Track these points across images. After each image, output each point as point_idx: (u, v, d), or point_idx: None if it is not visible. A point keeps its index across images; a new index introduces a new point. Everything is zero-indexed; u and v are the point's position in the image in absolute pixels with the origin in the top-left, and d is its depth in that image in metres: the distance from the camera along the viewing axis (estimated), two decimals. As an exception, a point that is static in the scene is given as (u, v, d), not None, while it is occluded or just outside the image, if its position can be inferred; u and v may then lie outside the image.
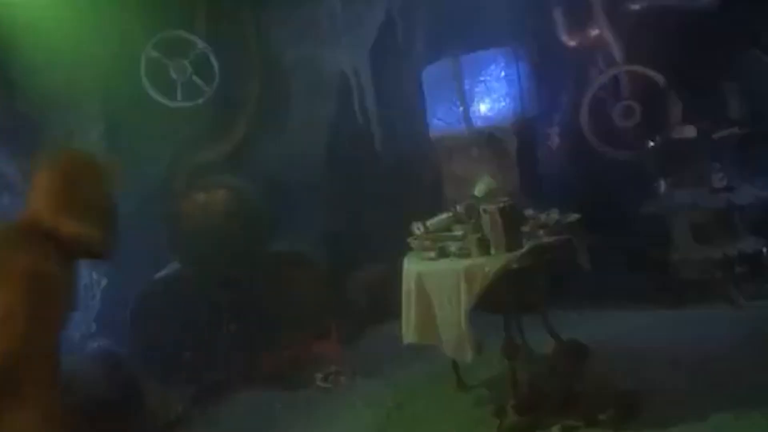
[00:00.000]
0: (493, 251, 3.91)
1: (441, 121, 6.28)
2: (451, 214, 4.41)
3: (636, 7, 6.41)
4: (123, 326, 5.79)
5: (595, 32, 6.61)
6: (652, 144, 5.96)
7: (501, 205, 3.95)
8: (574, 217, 4.29)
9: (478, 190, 4.48)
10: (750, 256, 5.44)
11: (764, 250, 5.47)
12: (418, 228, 4.40)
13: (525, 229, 4.04)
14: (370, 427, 4.33)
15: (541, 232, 4.04)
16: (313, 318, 5.96)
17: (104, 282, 5.90)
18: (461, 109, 6.12)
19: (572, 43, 6.80)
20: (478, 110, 6.12)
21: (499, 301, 4.10)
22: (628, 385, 4.00)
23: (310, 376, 5.27)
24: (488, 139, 6.04)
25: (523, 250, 3.90)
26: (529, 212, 4.29)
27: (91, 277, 5.87)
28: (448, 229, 4.32)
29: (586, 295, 5.80)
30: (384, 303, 6.13)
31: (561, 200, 5.76)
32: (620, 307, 5.60)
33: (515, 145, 6.00)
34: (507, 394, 4.04)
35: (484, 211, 3.97)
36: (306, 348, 5.70)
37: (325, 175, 6.77)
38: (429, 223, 4.41)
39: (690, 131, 5.78)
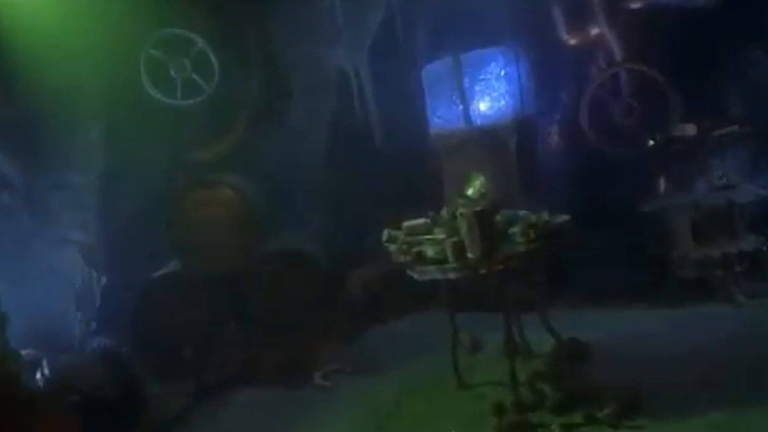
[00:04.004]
0: (469, 255, 3.91)
1: (441, 119, 6.28)
2: (428, 219, 4.40)
3: (636, 5, 6.41)
4: (123, 325, 5.79)
5: (595, 31, 6.61)
6: (652, 142, 5.96)
7: (478, 208, 3.94)
8: (564, 218, 4.28)
9: (470, 190, 4.47)
10: (750, 255, 5.44)
11: (764, 248, 5.47)
12: (389, 235, 4.40)
13: (514, 230, 4.03)
14: (369, 426, 4.32)
15: (532, 232, 4.02)
16: (313, 316, 5.96)
17: (104, 280, 5.91)
18: (461, 107, 6.12)
19: (572, 42, 6.81)
20: (478, 108, 6.12)
21: (492, 299, 4.12)
22: (628, 383, 3.99)
23: (309, 375, 5.27)
24: (488, 137, 6.04)
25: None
26: (522, 213, 4.28)
27: (91, 276, 5.87)
28: (429, 233, 4.31)
29: (585, 293, 5.82)
30: (383, 301, 6.16)
31: (560, 198, 5.78)
32: (620, 305, 5.61)
33: (515, 143, 6.01)
34: (507, 392, 4.04)
35: (461, 214, 3.97)
36: (305, 347, 5.70)
37: (325, 173, 6.77)
38: (405, 225, 4.41)
39: (690, 129, 5.78)
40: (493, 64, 6.07)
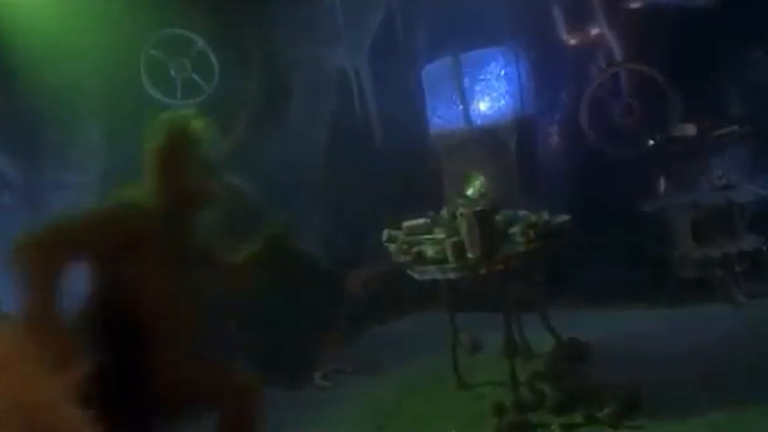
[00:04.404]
0: (469, 255, 3.91)
1: (441, 119, 6.28)
2: (428, 219, 4.41)
3: (636, 5, 6.41)
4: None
5: (595, 31, 6.62)
6: (652, 142, 5.96)
7: (478, 208, 3.95)
8: (564, 218, 4.29)
9: (470, 190, 4.48)
10: (750, 255, 5.44)
11: (764, 248, 5.47)
12: (389, 235, 4.41)
13: (514, 230, 4.03)
14: (369, 426, 4.33)
15: (532, 232, 4.02)
16: (313, 316, 5.95)
17: (104, 281, 5.89)
18: (461, 107, 6.12)
19: (572, 42, 6.81)
20: (478, 108, 6.11)
21: (492, 299, 4.12)
22: (628, 383, 4.00)
23: (309, 375, 5.27)
24: (488, 137, 6.04)
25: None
26: (522, 213, 4.28)
27: (91, 276, 5.86)
28: (429, 233, 4.31)
29: (585, 293, 5.82)
30: (383, 301, 6.15)
31: (560, 199, 5.78)
32: (620, 305, 5.61)
33: (515, 143, 6.01)
34: (507, 392, 4.04)
35: (461, 214, 3.97)
36: (305, 347, 5.69)
37: (325, 173, 6.77)
38: (405, 225, 4.41)
39: (690, 129, 5.78)
40: (493, 64, 6.06)
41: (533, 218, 4.15)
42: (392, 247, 4.39)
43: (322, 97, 6.88)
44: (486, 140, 6.03)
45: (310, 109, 6.76)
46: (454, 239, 3.98)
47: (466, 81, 6.06)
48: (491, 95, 6.08)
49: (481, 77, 6.08)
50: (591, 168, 6.51)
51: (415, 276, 4.24)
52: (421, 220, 4.45)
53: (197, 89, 6.01)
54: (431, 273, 4.13)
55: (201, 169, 2.82)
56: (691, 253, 5.54)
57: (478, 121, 6.09)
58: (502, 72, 6.04)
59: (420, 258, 4.15)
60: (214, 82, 6.03)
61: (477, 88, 6.10)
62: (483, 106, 6.11)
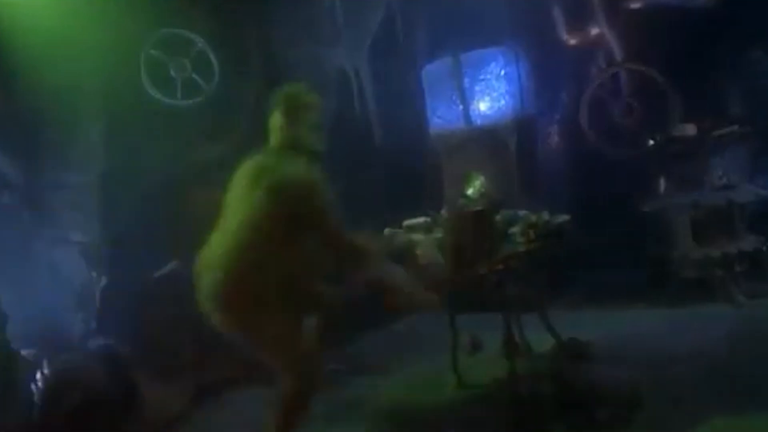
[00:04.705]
0: (468, 255, 3.91)
1: (441, 119, 6.29)
2: (428, 219, 4.41)
3: (636, 5, 6.41)
4: (123, 325, 5.78)
5: (595, 31, 6.62)
6: (652, 142, 5.96)
7: (476, 209, 3.95)
8: (564, 218, 4.29)
9: (470, 190, 4.48)
10: (750, 255, 5.44)
11: (764, 248, 5.47)
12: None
13: (514, 230, 4.04)
14: (369, 426, 4.33)
15: (532, 232, 4.02)
16: (312, 316, 5.94)
17: (104, 281, 5.90)
18: (461, 107, 6.13)
19: (572, 42, 6.81)
20: (478, 108, 6.13)
21: (492, 299, 4.11)
22: (628, 383, 4.00)
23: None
24: (488, 137, 6.05)
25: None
26: (522, 213, 4.28)
27: (90, 276, 5.87)
28: (429, 233, 4.32)
29: (585, 293, 5.82)
30: (383, 301, 6.14)
31: (560, 199, 5.78)
32: (620, 305, 5.62)
33: (515, 143, 6.01)
34: (507, 393, 4.04)
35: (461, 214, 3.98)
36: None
37: (324, 173, 6.75)
38: (405, 225, 4.42)
39: (690, 129, 5.78)
40: (493, 64, 6.08)
41: (533, 218, 4.15)
42: None
43: (322, 97, 6.86)
44: (486, 140, 6.04)
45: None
46: (451, 240, 3.97)
47: (466, 81, 6.07)
48: (491, 95, 6.09)
49: (481, 77, 6.09)
50: (591, 168, 6.51)
51: (416, 276, 4.24)
52: (421, 220, 4.45)
53: (197, 89, 6.02)
54: (431, 273, 4.14)
55: (311, 129, 3.79)
56: (691, 253, 5.54)
57: (478, 121, 6.11)
58: (502, 72, 6.05)
59: (419, 259, 4.15)
60: (214, 82, 6.04)
61: (477, 88, 6.11)
62: (483, 106, 6.12)
